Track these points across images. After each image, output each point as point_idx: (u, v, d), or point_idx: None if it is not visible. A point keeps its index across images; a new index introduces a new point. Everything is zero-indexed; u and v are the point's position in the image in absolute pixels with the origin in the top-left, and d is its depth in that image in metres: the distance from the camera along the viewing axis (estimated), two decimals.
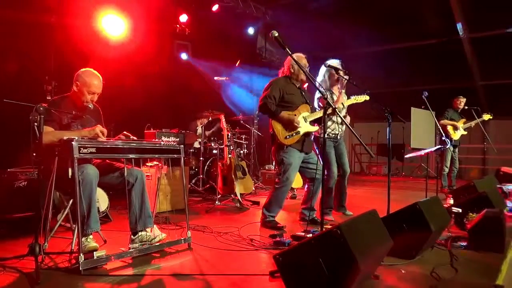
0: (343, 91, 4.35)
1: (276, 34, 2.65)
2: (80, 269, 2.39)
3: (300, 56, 3.85)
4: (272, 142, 3.99)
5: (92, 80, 2.95)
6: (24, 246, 2.63)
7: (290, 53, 2.67)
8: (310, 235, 3.15)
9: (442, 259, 2.80)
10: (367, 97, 4.37)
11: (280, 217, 4.26)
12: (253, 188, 6.24)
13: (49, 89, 5.40)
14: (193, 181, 6.15)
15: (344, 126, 4.60)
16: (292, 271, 2.02)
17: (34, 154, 4.55)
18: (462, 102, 6.98)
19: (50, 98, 5.11)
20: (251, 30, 8.88)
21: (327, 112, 2.75)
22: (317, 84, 2.87)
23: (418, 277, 2.49)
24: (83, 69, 3.02)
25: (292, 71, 3.92)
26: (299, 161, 3.94)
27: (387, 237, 2.34)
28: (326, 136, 4.38)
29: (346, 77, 3.93)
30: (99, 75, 3.03)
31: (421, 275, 2.51)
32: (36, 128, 4.50)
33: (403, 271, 2.57)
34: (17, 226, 3.43)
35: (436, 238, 3.14)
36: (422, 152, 4.80)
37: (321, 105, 4.25)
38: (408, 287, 2.35)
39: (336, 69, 3.62)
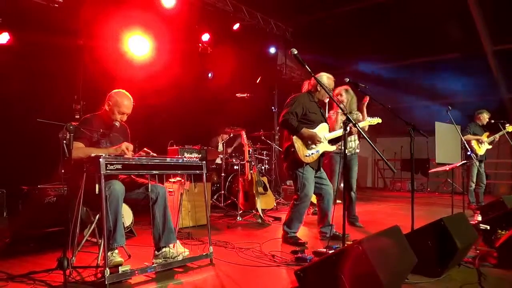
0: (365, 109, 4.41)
1: (296, 52, 2.69)
2: (106, 283, 2.44)
3: (329, 77, 3.91)
4: (285, 157, 4.00)
5: (123, 101, 3.08)
6: (53, 260, 2.73)
7: (310, 70, 2.71)
8: (332, 251, 3.12)
9: (470, 277, 2.72)
10: (379, 120, 4.44)
11: (302, 233, 4.24)
12: (275, 204, 6.24)
13: (78, 108, 5.63)
14: (215, 196, 6.20)
15: (356, 143, 4.65)
16: (314, 287, 2.01)
17: (63, 171, 4.73)
18: (486, 116, 6.83)
19: (78, 116, 5.33)
20: (272, 50, 9.06)
21: (348, 130, 2.76)
22: (338, 103, 2.89)
23: None
24: (116, 90, 3.15)
25: (319, 89, 3.95)
26: (313, 177, 3.97)
27: (411, 254, 2.30)
28: (338, 152, 4.46)
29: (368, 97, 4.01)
30: (130, 96, 3.16)
31: None
32: (65, 146, 4.69)
33: None
34: (46, 240, 3.55)
35: (463, 255, 3.06)
36: (447, 167, 4.70)
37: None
38: None
39: (357, 85, 3.63)
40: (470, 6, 7.31)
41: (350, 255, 1.90)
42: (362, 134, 2.63)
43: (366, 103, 4.49)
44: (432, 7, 7.42)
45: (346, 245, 2.46)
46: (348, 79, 3.75)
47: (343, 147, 2.65)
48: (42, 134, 4.27)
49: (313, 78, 4.03)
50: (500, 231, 3.47)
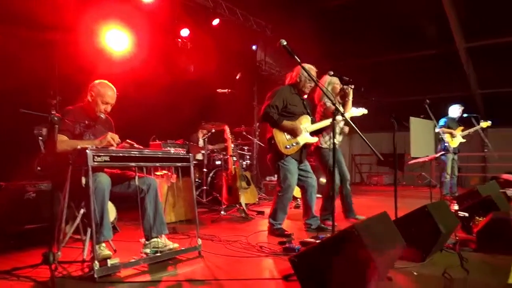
0: (351, 99, 4.38)
1: (285, 43, 2.72)
2: (95, 276, 2.39)
3: (311, 68, 3.93)
4: (269, 149, 4.03)
5: (107, 91, 3.03)
6: (35, 257, 2.67)
7: (299, 60, 2.74)
8: (319, 241, 3.17)
9: (452, 261, 2.82)
10: (365, 111, 4.47)
11: (286, 225, 4.27)
12: (257, 199, 6.26)
13: (54, 103, 5.46)
14: (197, 192, 6.15)
15: (341, 137, 4.67)
16: (309, 273, 2.04)
17: (39, 168, 4.56)
18: (459, 110, 7.09)
19: (55, 112, 5.16)
20: (254, 47, 9.10)
21: (335, 120, 2.79)
22: (326, 92, 2.93)
23: (430, 279, 2.51)
24: (98, 80, 3.09)
25: (299, 81, 3.99)
26: (296, 168, 4.00)
27: (399, 238, 2.37)
28: (325, 147, 4.46)
29: (352, 86, 4.01)
30: (113, 86, 3.10)
31: (433, 277, 2.53)
32: (41, 142, 4.54)
33: (415, 273, 2.59)
34: (26, 237, 3.43)
35: (445, 241, 3.17)
36: (426, 158, 4.85)
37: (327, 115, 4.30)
38: None
39: (341, 78, 3.69)
40: (444, 4, 7.56)
41: (345, 239, 1.94)
42: (352, 125, 2.68)
43: (350, 96, 4.47)
44: (408, 6, 7.63)
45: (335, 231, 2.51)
46: (332, 72, 3.81)
47: (332, 137, 2.68)
48: (19, 129, 4.14)
49: (295, 70, 4.09)
50: (477, 217, 3.62)
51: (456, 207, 4.79)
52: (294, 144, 3.89)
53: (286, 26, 9.10)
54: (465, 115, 7.02)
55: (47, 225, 3.41)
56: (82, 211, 2.95)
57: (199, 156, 6.56)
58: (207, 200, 6.13)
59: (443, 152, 5.38)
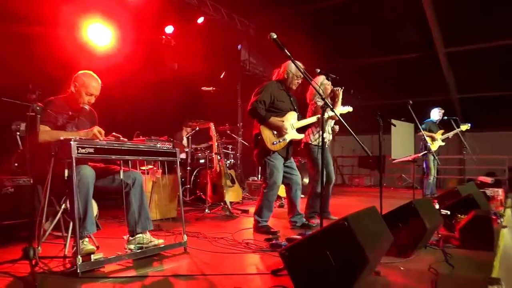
0: (340, 100, 4.38)
1: (275, 36, 2.70)
2: (78, 271, 2.31)
3: (298, 65, 3.93)
4: (255, 144, 4.00)
5: (91, 82, 2.95)
6: (13, 254, 2.59)
7: (289, 54, 2.73)
8: None
9: (437, 257, 2.87)
10: (351, 109, 4.49)
11: (271, 223, 4.25)
12: (241, 198, 6.23)
13: (33, 98, 5.28)
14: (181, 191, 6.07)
15: (330, 136, 4.68)
16: (299, 266, 2.02)
17: (16, 164, 4.39)
18: (440, 113, 7.24)
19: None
20: (238, 47, 9.08)
21: (325, 115, 2.79)
22: (315, 86, 2.93)
23: (417, 273, 2.54)
24: (82, 71, 3.01)
25: (286, 77, 3.98)
26: (282, 165, 4.00)
27: (388, 232, 2.38)
28: (315, 144, 4.46)
29: (342, 87, 4.05)
30: (97, 77, 3.02)
31: (420, 272, 2.56)
32: (18, 138, 4.37)
33: (402, 268, 2.62)
34: (4, 234, 3.29)
35: (429, 237, 3.22)
36: (410, 157, 4.94)
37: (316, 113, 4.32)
38: (410, 282, 2.39)
39: (328, 75, 3.71)
40: (426, 10, 7.73)
41: (336, 232, 1.93)
42: (340, 120, 2.68)
43: (340, 97, 4.48)
44: (391, 11, 7.77)
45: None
46: (319, 70, 3.82)
47: (321, 132, 2.68)
48: None
49: (282, 66, 4.09)
50: (459, 215, 3.69)
51: (436, 206, 4.90)
52: (281, 140, 3.89)
53: (270, 26, 9.13)
54: (445, 117, 7.17)
55: (26, 221, 3.28)
56: (63, 206, 2.86)
57: (183, 155, 6.48)
58: (190, 199, 6.06)
59: (425, 152, 5.49)
